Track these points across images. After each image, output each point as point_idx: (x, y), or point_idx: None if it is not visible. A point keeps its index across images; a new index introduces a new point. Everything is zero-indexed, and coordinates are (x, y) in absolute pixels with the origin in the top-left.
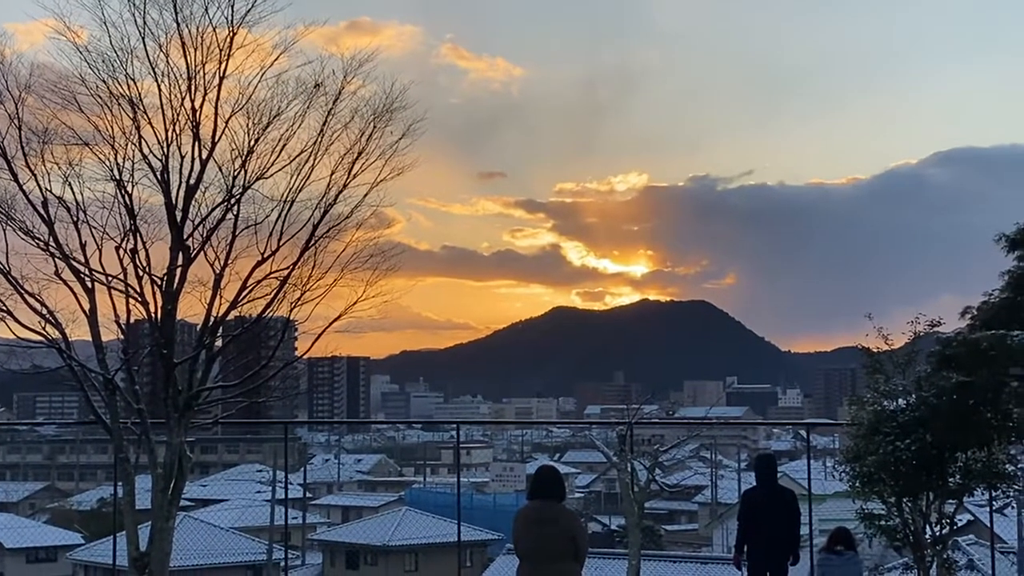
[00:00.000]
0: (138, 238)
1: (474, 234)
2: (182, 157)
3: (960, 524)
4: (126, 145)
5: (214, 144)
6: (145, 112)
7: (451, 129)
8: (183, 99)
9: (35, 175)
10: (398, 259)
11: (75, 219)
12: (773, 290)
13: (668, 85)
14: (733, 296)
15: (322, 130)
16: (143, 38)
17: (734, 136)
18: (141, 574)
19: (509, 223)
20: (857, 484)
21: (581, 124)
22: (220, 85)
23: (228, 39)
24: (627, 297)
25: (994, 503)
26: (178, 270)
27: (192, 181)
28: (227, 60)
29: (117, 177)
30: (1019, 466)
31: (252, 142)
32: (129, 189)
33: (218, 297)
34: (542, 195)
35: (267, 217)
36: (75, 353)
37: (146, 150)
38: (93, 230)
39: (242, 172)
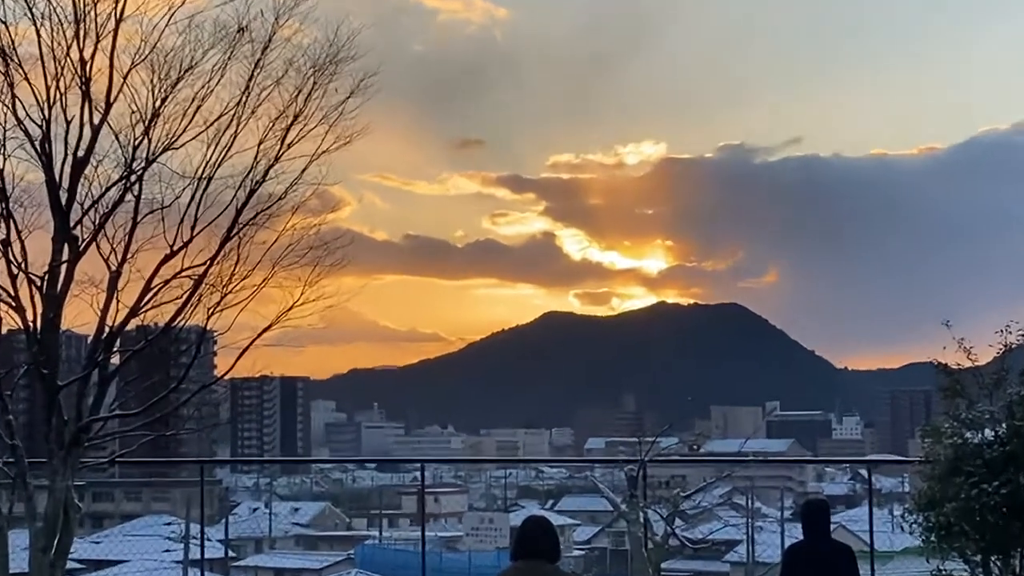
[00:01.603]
0: (11, 226)
1: (445, 220)
2: (68, 122)
3: None
4: None
5: (109, 105)
6: (20, 65)
7: (415, 85)
8: (69, 48)
9: None
10: (347, 252)
11: None
12: (825, 290)
13: (693, 30)
14: (774, 298)
15: (247, 87)
16: None
17: (777, 95)
18: None
19: (490, 205)
20: (932, 538)
21: (582, 79)
22: (116, 30)
23: None
24: (639, 300)
25: None
26: (63, 267)
27: (81, 153)
28: None
29: None
30: None
31: (158, 103)
32: None
33: (115, 301)
34: (532, 169)
35: (177, 199)
36: None
37: (21, 113)
38: None
39: (145, 141)
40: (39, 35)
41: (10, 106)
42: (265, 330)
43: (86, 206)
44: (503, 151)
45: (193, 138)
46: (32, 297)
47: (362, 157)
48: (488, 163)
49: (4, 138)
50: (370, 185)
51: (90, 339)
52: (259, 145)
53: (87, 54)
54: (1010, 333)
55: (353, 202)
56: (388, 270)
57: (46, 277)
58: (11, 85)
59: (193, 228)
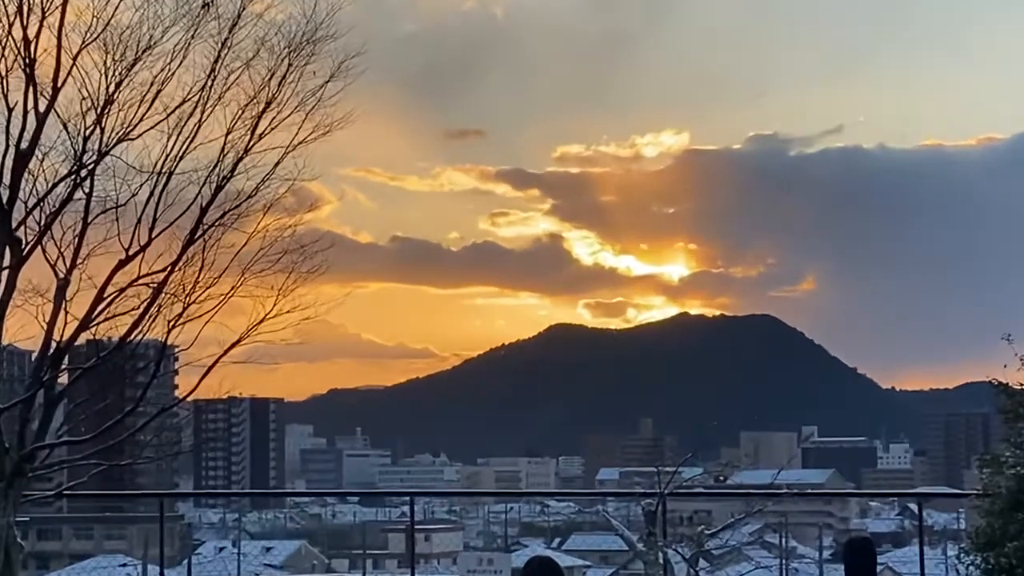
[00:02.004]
0: None
1: (438, 220)
2: (10, 110)
3: None
4: None
5: (56, 91)
6: None
7: (404, 68)
8: (10, 25)
9: None
10: (326, 257)
11: None
12: (869, 300)
13: (720, 5)
14: (812, 309)
15: (213, 70)
16: None
17: (815, 79)
18: None
19: (488, 203)
20: None
21: (593, 60)
22: (65, 5)
23: None
24: (658, 311)
25: None
26: (4, 273)
27: (24, 144)
28: None
29: None
30: None
31: (112, 88)
32: None
33: (63, 313)
34: (536, 163)
35: (134, 196)
36: None
37: None
38: None
39: (97, 131)
40: None
41: None
42: (233, 345)
43: (30, 204)
44: (504, 142)
45: (152, 127)
46: None
47: (344, 149)
48: (487, 155)
49: None
50: (353, 181)
51: (35, 355)
52: (226, 135)
53: (31, 32)
54: None
55: (333, 200)
56: (373, 277)
57: None
58: None
59: (152, 230)
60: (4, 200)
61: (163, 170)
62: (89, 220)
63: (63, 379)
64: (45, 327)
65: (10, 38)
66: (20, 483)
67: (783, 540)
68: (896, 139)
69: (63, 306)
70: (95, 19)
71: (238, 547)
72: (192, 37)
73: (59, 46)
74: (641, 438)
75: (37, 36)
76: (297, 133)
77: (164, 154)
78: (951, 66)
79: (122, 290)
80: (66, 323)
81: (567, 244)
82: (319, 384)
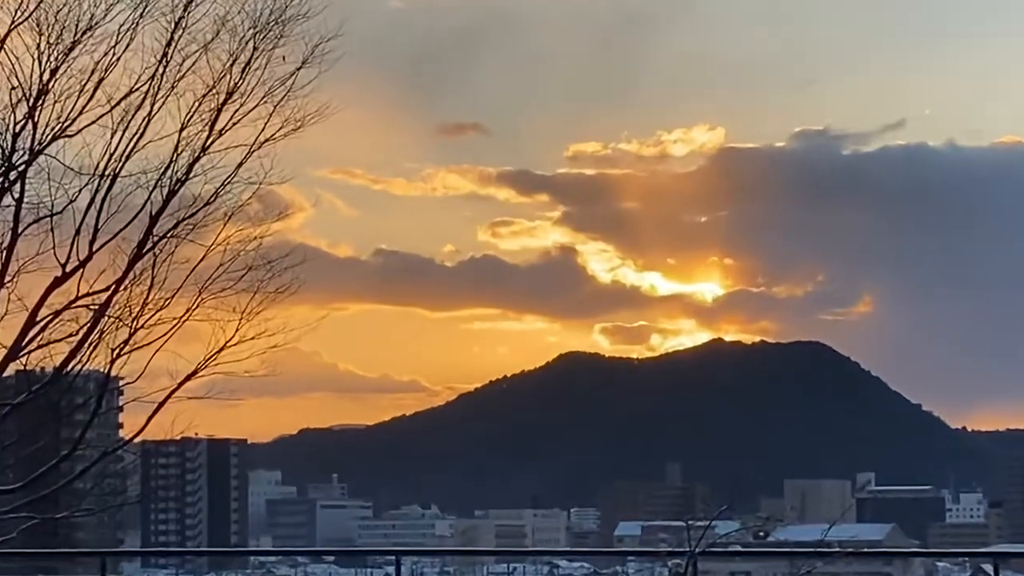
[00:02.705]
0: None
1: (429, 230)
2: None
3: None
4: None
5: None
6: None
7: (390, 53)
8: None
9: None
10: (298, 273)
11: None
12: (937, 324)
13: None
14: (868, 334)
15: (165, 54)
16: None
17: (873, 66)
18: None
19: (489, 210)
20: None
21: (612, 45)
22: None
23: None
24: (689, 337)
25: None
26: None
27: None
28: None
29: None
30: None
31: (46, 75)
32: None
33: None
34: (545, 163)
35: (72, 203)
36: None
37: None
38: None
39: (29, 126)
40: None
41: None
42: (189, 377)
43: None
44: (507, 138)
45: (93, 122)
46: None
47: (319, 147)
48: (487, 154)
49: None
50: (330, 184)
51: None
52: (181, 131)
53: None
54: None
55: (307, 207)
56: (354, 297)
57: None
58: None
59: (93, 242)
60: None
61: (106, 172)
62: (19, 231)
63: None
64: None
65: None
66: None
67: None
68: (968, 136)
69: None
70: None
71: None
72: (140, 16)
73: None
74: (668, 487)
75: None
76: (264, 128)
77: (107, 153)
78: None
79: (58, 312)
80: None
81: (581, 258)
82: (289, 423)
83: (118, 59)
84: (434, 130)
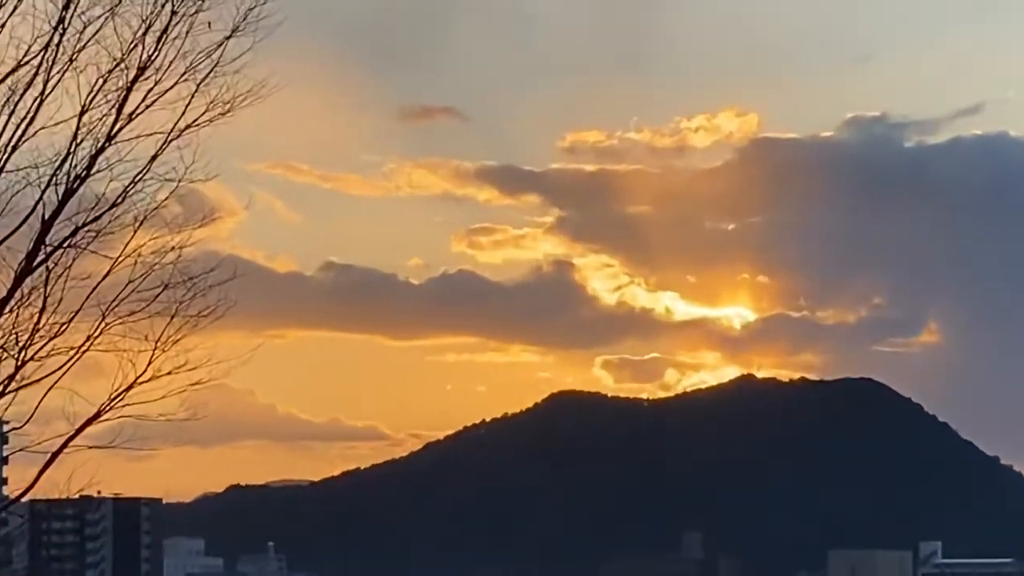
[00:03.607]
0: None
1: (392, 238)
2: None
3: None
4: None
5: None
6: None
7: (343, 21)
8: None
9: None
10: (228, 292)
11: None
12: (1019, 360)
13: None
14: (934, 371)
15: (62, 20)
16: None
17: (941, 37)
18: None
19: (466, 214)
20: None
21: (619, 12)
22: None
23: None
24: (712, 373)
25: None
26: None
27: None
28: None
29: None
30: None
31: None
32: None
33: None
34: (536, 156)
35: None
36: None
37: None
38: None
39: None
40: None
41: None
42: (90, 422)
43: None
44: (488, 125)
45: None
46: None
47: (254, 136)
48: (463, 145)
49: None
50: (268, 181)
51: None
52: (81, 115)
53: None
54: None
55: (239, 209)
56: (297, 322)
57: None
58: None
59: None
60: None
61: None
62: None
63: None
64: None
65: None
66: None
67: None
68: None
69: None
70: None
71: None
72: None
73: None
74: (685, 560)
75: None
76: (184, 112)
77: None
78: None
79: None
80: None
81: (579, 275)
82: (215, 479)
83: (2, 26)
84: (398, 115)
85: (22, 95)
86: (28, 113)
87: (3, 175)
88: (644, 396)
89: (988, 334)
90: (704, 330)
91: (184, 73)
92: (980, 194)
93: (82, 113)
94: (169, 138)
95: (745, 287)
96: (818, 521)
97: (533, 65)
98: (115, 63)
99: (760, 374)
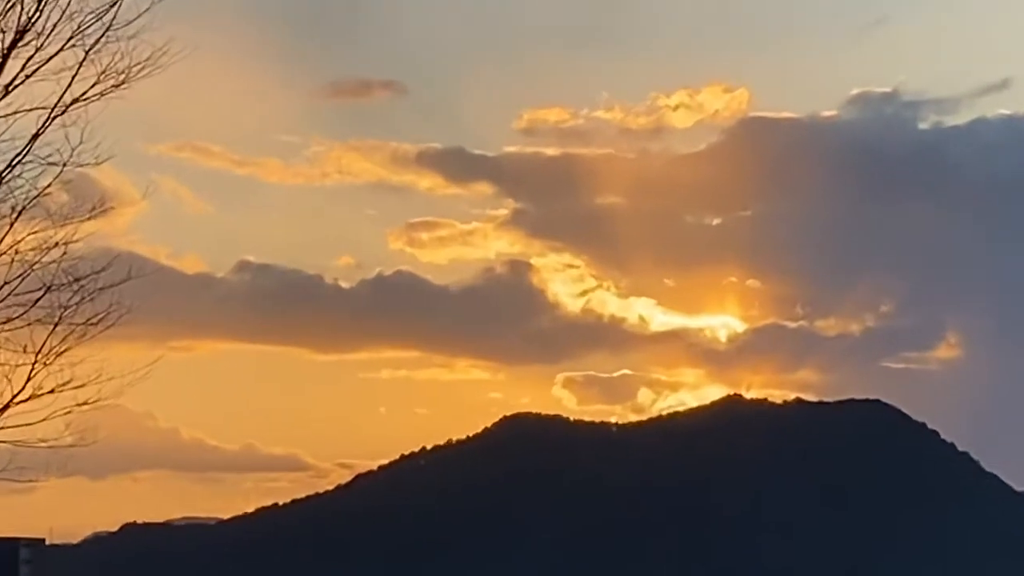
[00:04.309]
0: None
1: (319, 234)
2: None
3: None
4: None
5: None
6: None
7: None
8: None
9: None
10: (123, 296)
11: None
12: None
13: None
14: (953, 390)
15: None
16: None
17: (961, 3)
18: None
19: (406, 206)
20: None
21: None
22: None
23: None
24: (693, 392)
25: None
26: None
27: None
28: None
29: None
30: None
31: None
32: None
33: None
34: (488, 137)
35: None
36: None
37: None
38: None
39: None
40: None
41: None
42: None
43: None
44: (433, 101)
45: None
46: None
47: (156, 113)
48: (404, 124)
49: None
50: (172, 166)
51: None
52: None
53: None
54: None
55: (137, 198)
56: (206, 332)
57: None
58: None
59: None
60: None
61: None
62: None
63: None
64: None
65: None
66: None
67: None
68: None
69: None
70: None
71: None
72: None
73: None
74: None
75: None
76: (71, 84)
77: None
78: None
79: None
80: None
81: (538, 277)
82: (108, 515)
83: None
84: (327, 89)
85: None
86: None
87: None
88: (613, 420)
89: (1016, 348)
90: (684, 343)
91: (71, 38)
92: (1007, 183)
93: None
94: (53, 114)
95: (733, 293)
96: (814, 568)
97: (485, 32)
98: None
99: (750, 395)
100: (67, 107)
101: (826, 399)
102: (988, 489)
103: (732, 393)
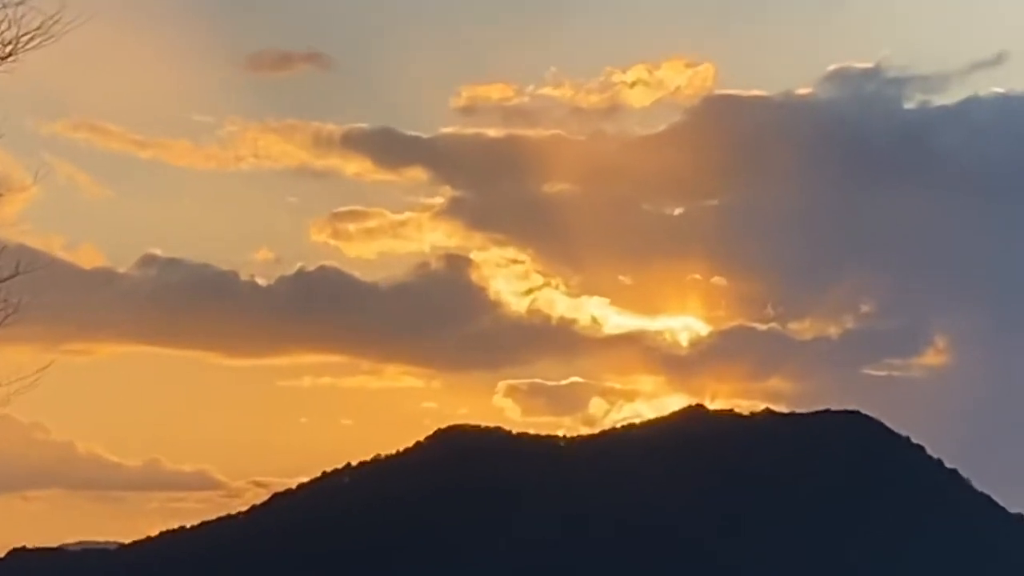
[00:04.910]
0: None
1: (231, 224)
2: None
3: None
4: None
5: None
6: None
7: None
8: None
9: None
10: (11, 294)
11: None
12: None
13: None
14: (941, 400)
15: None
16: None
17: None
18: None
19: (331, 194)
20: None
21: None
22: None
23: None
24: (650, 403)
25: None
26: None
27: None
28: None
29: None
30: None
31: None
32: None
33: None
34: (422, 117)
35: None
36: None
37: None
38: None
39: None
40: None
41: None
42: None
43: None
44: (360, 76)
45: None
46: None
47: (50, 88)
48: (329, 102)
49: None
50: (67, 147)
51: None
52: None
53: None
54: None
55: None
56: (106, 334)
57: None
58: None
59: None
60: None
61: None
62: None
63: None
64: None
65: None
66: None
67: None
68: None
69: None
70: None
71: None
72: None
73: None
74: None
75: None
76: None
77: None
78: None
79: None
80: None
81: (478, 273)
82: None
83: None
84: (244, 63)
85: None
86: None
87: None
88: (561, 433)
89: (1012, 354)
90: (642, 347)
91: None
92: (1002, 170)
93: None
94: None
95: (696, 291)
96: None
97: (418, 3)
98: None
99: (714, 405)
100: None
101: (799, 410)
102: (979, 511)
103: (694, 403)
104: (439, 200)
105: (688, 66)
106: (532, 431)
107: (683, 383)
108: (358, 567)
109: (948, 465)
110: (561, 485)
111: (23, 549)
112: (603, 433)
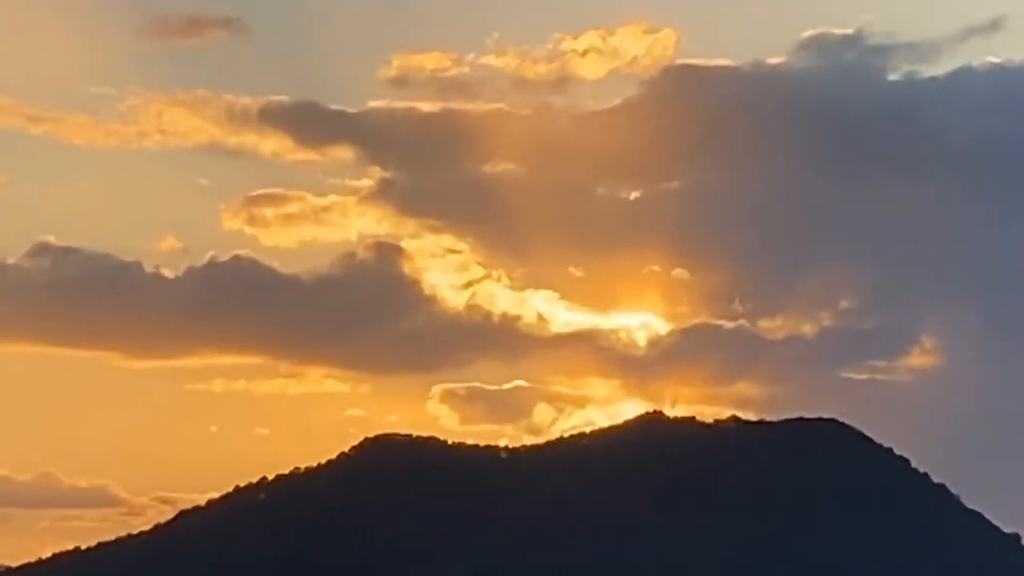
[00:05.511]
0: None
1: (133, 210)
2: None
3: None
4: None
5: None
6: None
7: None
8: None
9: None
10: None
11: None
12: None
13: None
14: (925, 409)
15: None
16: None
17: None
18: None
19: (245, 175)
20: None
21: None
22: None
23: None
24: (602, 409)
25: None
26: None
27: None
28: None
29: None
30: None
31: None
32: None
33: None
34: (348, 90)
35: None
36: None
37: None
38: None
39: None
40: None
41: None
42: None
43: None
44: (279, 43)
45: None
46: None
47: None
48: (243, 72)
49: None
50: None
51: None
52: None
53: None
54: None
55: None
56: None
57: None
58: None
59: None
60: None
61: None
62: None
63: None
64: None
65: None
66: None
67: None
68: None
69: None
70: None
71: None
72: None
73: None
74: None
75: None
76: None
77: None
78: None
79: None
80: None
81: (410, 265)
82: None
83: None
84: (148, 28)
85: None
86: None
87: None
88: (503, 443)
89: (1006, 356)
90: (593, 347)
91: None
92: (997, 148)
93: None
94: None
95: (655, 285)
96: None
97: None
98: None
99: (674, 412)
100: None
101: (770, 418)
102: (969, 529)
103: (653, 410)
104: (367, 182)
105: (646, 32)
106: (470, 441)
107: (640, 387)
108: None
109: (935, 479)
110: (503, 500)
111: None
112: (550, 444)
